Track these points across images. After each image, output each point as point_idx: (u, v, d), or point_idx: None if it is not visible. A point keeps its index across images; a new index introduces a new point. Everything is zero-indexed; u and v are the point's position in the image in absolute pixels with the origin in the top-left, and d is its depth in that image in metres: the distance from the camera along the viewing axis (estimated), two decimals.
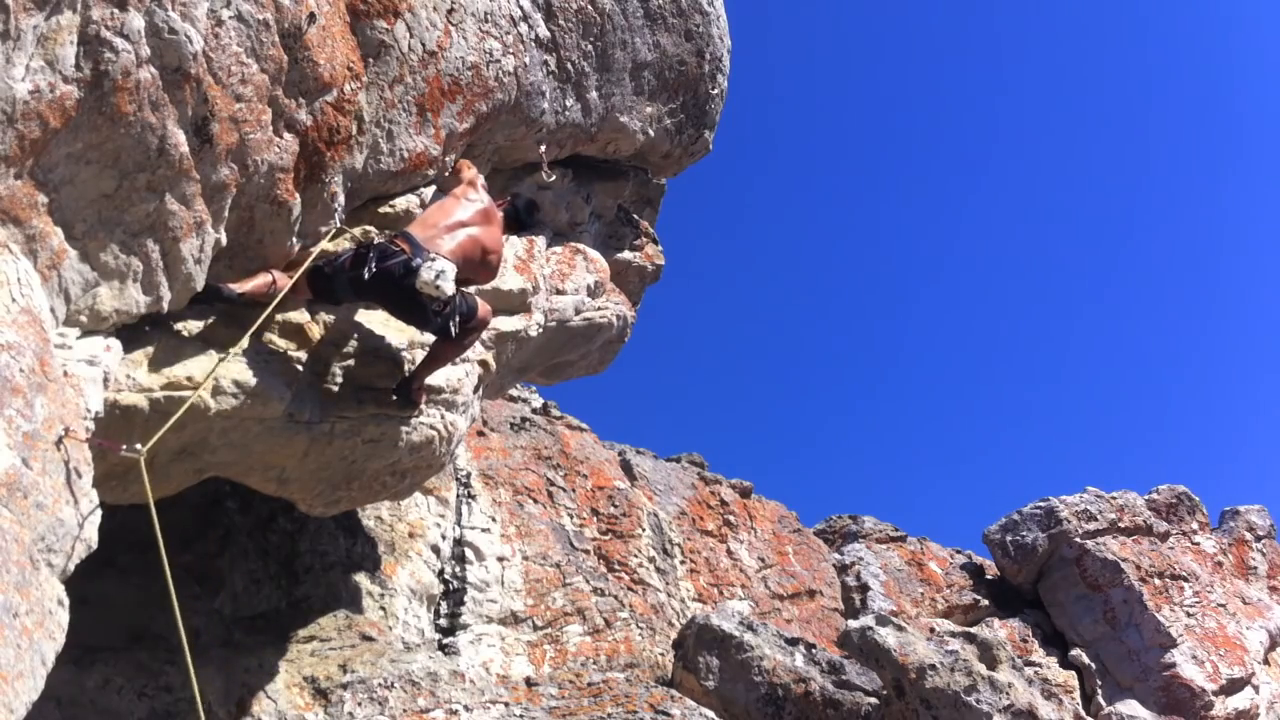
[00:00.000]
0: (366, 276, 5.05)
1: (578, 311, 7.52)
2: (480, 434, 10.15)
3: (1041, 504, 14.60)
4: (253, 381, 4.78)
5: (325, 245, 5.24)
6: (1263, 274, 67.55)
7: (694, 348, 63.12)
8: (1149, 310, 70.10)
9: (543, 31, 6.41)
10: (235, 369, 4.70)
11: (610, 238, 8.44)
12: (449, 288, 5.16)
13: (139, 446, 3.83)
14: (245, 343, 4.68)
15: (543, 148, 6.90)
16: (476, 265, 5.67)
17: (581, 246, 7.84)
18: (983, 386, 67.42)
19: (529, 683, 7.80)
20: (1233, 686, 12.91)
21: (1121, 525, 14.41)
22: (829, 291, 72.19)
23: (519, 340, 6.77)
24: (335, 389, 5.31)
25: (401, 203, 5.66)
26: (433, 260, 5.14)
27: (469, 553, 8.69)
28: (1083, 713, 11.53)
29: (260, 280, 4.92)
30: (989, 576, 14.85)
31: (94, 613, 5.40)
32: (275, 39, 4.36)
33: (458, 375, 5.95)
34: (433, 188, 5.94)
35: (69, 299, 3.89)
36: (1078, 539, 14.01)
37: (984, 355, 69.28)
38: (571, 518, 10.08)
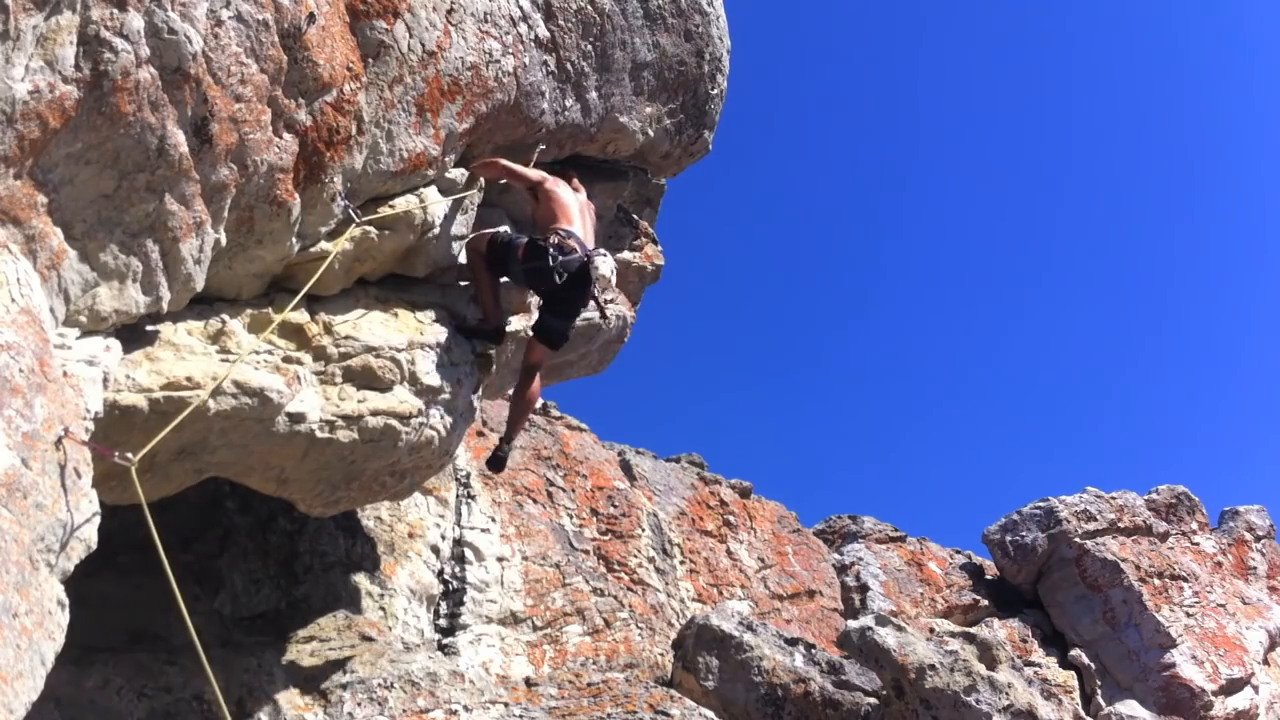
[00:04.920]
0: (558, 280, 5.83)
1: None
2: (480, 434, 10.14)
3: (1041, 504, 14.60)
4: (253, 381, 4.78)
5: (340, 242, 5.23)
6: (1263, 274, 67.57)
7: (694, 348, 63.16)
8: (1149, 310, 70.10)
9: (542, 32, 6.41)
10: (235, 369, 4.71)
11: (610, 238, 8.43)
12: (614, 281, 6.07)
13: (130, 456, 3.68)
14: (254, 344, 4.72)
15: (541, 148, 6.90)
16: None
17: None
18: (983, 386, 67.44)
19: (528, 683, 7.80)
20: (1232, 686, 12.91)
21: (1121, 525, 14.41)
22: (829, 291, 72.19)
23: (518, 340, 6.77)
24: (337, 388, 5.31)
25: (401, 203, 5.65)
26: (604, 255, 5.92)
27: (468, 553, 8.69)
28: (1082, 713, 11.53)
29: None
30: (989, 576, 14.85)
31: (93, 613, 5.38)
32: (275, 39, 4.35)
33: (457, 376, 5.95)
34: (433, 188, 5.94)
35: (68, 299, 3.89)
36: (1077, 539, 14.00)
37: (984, 355, 69.28)
38: (571, 518, 10.07)
